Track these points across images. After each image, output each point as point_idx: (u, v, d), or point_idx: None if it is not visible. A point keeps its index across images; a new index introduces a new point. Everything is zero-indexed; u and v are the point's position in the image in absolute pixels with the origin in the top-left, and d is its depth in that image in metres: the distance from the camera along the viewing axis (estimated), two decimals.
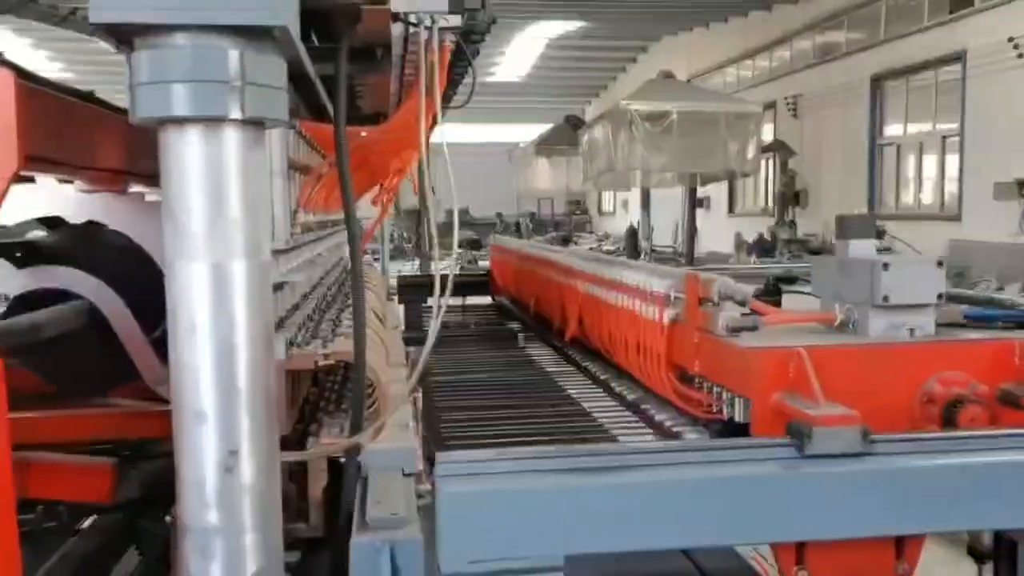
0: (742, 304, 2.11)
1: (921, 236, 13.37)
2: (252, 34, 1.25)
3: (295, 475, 1.91)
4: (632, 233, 16.70)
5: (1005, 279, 10.32)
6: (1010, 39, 11.72)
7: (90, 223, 2.09)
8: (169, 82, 1.22)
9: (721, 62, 21.13)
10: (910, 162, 14.97)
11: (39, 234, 2.19)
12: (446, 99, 2.67)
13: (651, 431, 2.49)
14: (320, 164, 2.41)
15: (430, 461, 1.95)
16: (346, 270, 3.61)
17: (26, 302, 2.00)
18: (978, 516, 1.76)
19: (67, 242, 2.12)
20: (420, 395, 2.83)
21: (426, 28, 1.78)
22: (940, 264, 2.10)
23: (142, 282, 1.95)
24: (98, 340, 2.09)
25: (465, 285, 5.29)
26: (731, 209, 21.18)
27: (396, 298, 5.26)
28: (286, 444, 1.90)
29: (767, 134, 17.08)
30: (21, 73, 1.29)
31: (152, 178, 1.34)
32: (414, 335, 4.10)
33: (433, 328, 1.75)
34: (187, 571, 1.33)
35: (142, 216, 2.04)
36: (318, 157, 2.44)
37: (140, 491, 2.45)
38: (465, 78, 2.45)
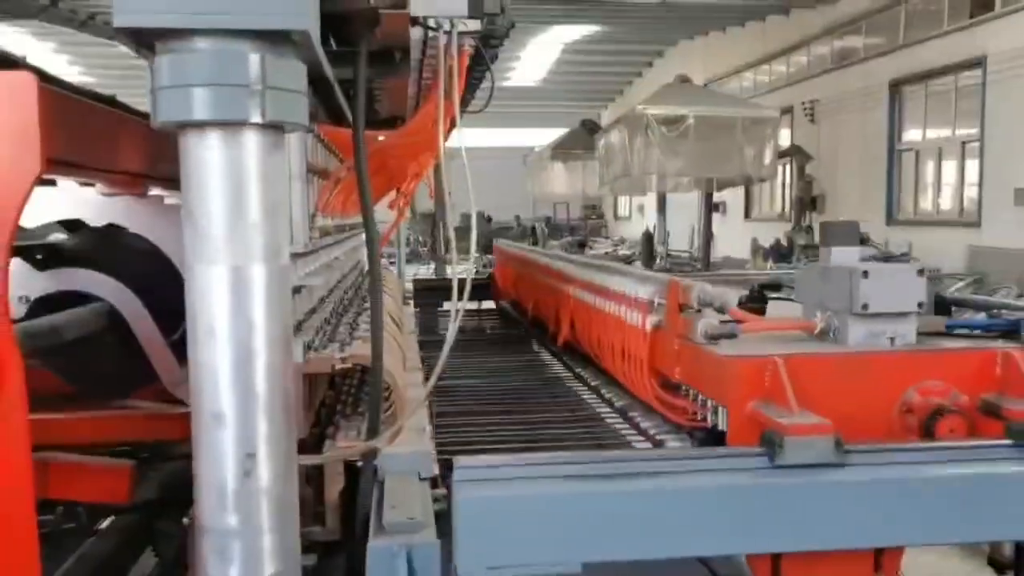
0: (721, 311, 2.08)
1: (940, 242, 13.27)
2: (272, 38, 1.25)
3: (312, 478, 1.91)
4: (648, 238, 16.66)
5: None
6: None
7: (110, 226, 2.10)
8: (190, 86, 1.22)
9: (738, 66, 21.07)
10: (929, 168, 14.86)
11: (60, 237, 2.21)
12: (464, 103, 2.67)
13: (637, 438, 2.47)
14: (338, 168, 2.41)
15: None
16: (363, 273, 3.62)
17: (47, 304, 2.02)
18: (955, 529, 1.72)
19: (88, 245, 2.13)
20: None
21: (445, 32, 1.78)
22: (922, 272, 2.06)
23: (161, 285, 1.96)
24: (118, 342, 2.11)
25: (472, 289, 5.27)
26: (747, 214, 21.09)
27: (412, 302, 5.27)
28: (303, 447, 1.90)
29: (784, 139, 17.00)
30: (43, 77, 1.30)
31: (172, 181, 1.35)
32: (429, 339, 4.11)
33: (451, 332, 1.75)
34: (204, 573, 1.33)
35: (162, 219, 2.05)
36: (336, 161, 2.45)
37: (158, 493, 2.47)
38: (483, 82, 2.45)
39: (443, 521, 1.65)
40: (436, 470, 1.94)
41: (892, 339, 2.02)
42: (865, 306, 1.98)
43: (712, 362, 2.01)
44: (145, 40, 1.26)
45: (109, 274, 2.03)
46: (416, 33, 1.90)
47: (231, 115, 1.24)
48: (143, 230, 2.07)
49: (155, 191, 2.13)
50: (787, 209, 18.48)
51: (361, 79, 1.72)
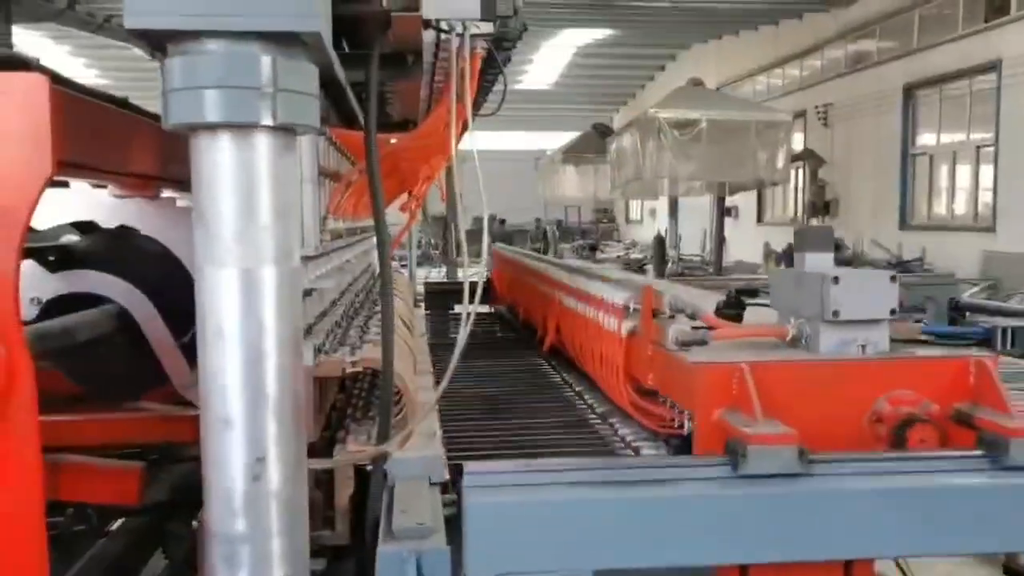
0: (693, 317, 2.05)
1: (954, 248, 13.18)
2: (284, 40, 1.25)
3: (321, 482, 1.90)
4: (660, 242, 16.59)
5: None
6: None
7: (122, 228, 2.10)
8: (201, 88, 1.22)
9: (751, 70, 21.00)
10: (943, 172, 14.77)
11: (72, 238, 2.21)
12: (476, 106, 2.67)
13: (617, 445, 2.44)
14: (350, 171, 2.41)
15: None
16: (374, 276, 3.62)
17: (59, 305, 2.02)
18: (924, 541, 1.68)
19: (99, 247, 2.13)
20: None
21: (457, 35, 1.78)
22: (894, 279, 2.01)
23: (172, 287, 1.96)
24: (129, 344, 2.11)
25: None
26: (760, 218, 21.01)
27: (423, 305, 5.27)
28: (313, 451, 1.89)
29: (797, 143, 16.93)
30: (56, 79, 1.30)
31: (184, 184, 1.34)
32: (440, 342, 4.10)
33: (462, 336, 1.74)
34: None
35: (173, 221, 2.05)
36: (348, 164, 2.44)
37: (168, 495, 2.47)
38: (495, 85, 2.44)
39: (453, 526, 1.64)
40: (447, 475, 1.93)
41: (863, 347, 1.98)
42: (836, 313, 1.94)
43: (681, 368, 1.98)
44: (157, 42, 1.26)
45: (120, 276, 2.03)
46: (428, 36, 1.90)
47: (242, 117, 1.24)
48: (155, 232, 2.07)
49: (167, 193, 2.13)
50: (800, 213, 18.39)
51: (373, 82, 1.72)
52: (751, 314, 2.37)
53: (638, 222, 30.09)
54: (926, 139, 15.15)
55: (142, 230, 2.09)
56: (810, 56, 18.52)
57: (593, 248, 21.09)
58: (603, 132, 19.54)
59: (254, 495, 1.31)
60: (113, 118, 1.64)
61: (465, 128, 1.94)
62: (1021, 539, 1.70)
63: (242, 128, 1.26)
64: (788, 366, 1.93)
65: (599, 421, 2.67)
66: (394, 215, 3.83)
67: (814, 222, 16.50)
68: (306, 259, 1.88)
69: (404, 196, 3.41)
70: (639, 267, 17.38)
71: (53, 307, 2.01)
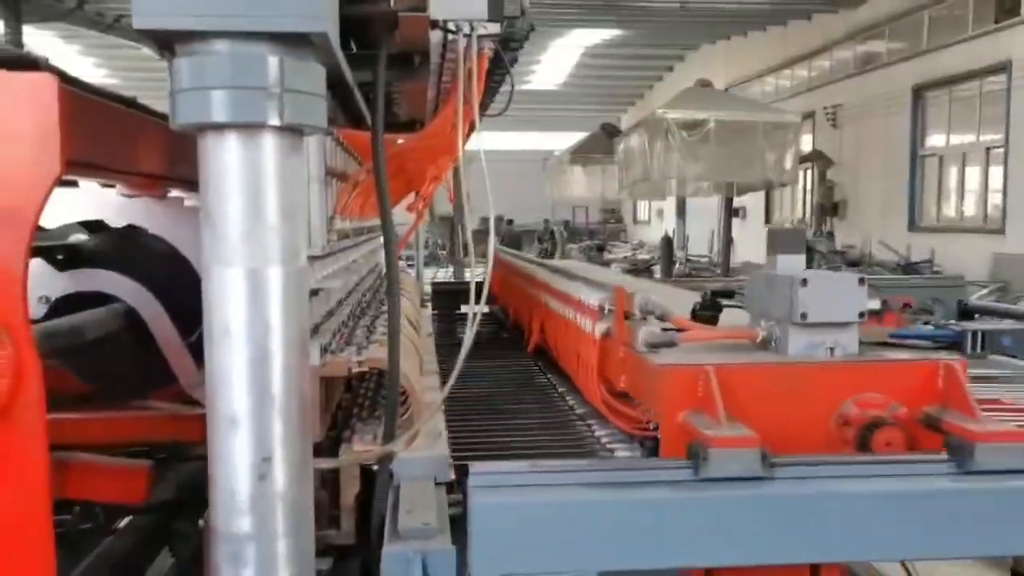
0: (663, 319, 2.04)
1: (963, 249, 13.13)
2: (291, 41, 1.25)
3: (327, 482, 1.90)
4: (667, 243, 16.58)
5: None
6: None
7: (130, 227, 2.11)
8: (209, 88, 1.22)
9: (759, 71, 20.96)
10: (952, 174, 14.71)
11: (80, 237, 2.22)
12: (483, 106, 2.67)
13: (594, 446, 2.42)
14: (357, 171, 2.41)
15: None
16: (381, 276, 3.62)
17: (67, 304, 2.03)
18: (888, 545, 1.66)
19: (107, 246, 2.14)
20: None
21: (464, 35, 1.78)
22: (862, 281, 2.00)
23: (180, 286, 1.96)
24: (136, 343, 2.11)
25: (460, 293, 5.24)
26: (768, 219, 20.96)
27: (430, 305, 5.27)
28: (319, 451, 1.90)
29: (806, 144, 16.89)
30: (64, 78, 1.31)
31: (192, 183, 1.35)
32: (447, 341, 4.10)
33: (468, 336, 1.74)
34: None
35: (181, 221, 2.05)
36: (355, 164, 2.45)
37: (175, 493, 2.47)
38: (503, 86, 2.44)
39: (459, 526, 1.64)
40: (452, 475, 1.93)
41: (832, 349, 1.97)
42: (804, 315, 1.93)
43: (649, 371, 1.97)
44: (165, 42, 1.26)
45: (128, 275, 2.04)
46: (435, 36, 1.89)
47: (249, 117, 1.24)
48: (162, 231, 2.07)
49: (175, 193, 2.14)
50: (808, 215, 18.35)
51: (380, 82, 1.72)
52: (728, 316, 2.34)
53: (646, 223, 30.06)
54: (935, 140, 15.09)
55: (150, 229, 2.10)
56: (819, 57, 18.47)
57: (600, 248, 21.06)
58: (611, 132, 19.54)
59: (260, 495, 1.31)
60: (121, 118, 1.65)
61: (472, 129, 1.94)
62: (985, 544, 1.67)
63: (249, 128, 1.26)
64: (754, 369, 1.92)
65: (579, 422, 2.66)
66: (401, 215, 3.83)
67: (823, 223, 16.46)
68: (313, 259, 1.88)
69: (411, 196, 3.41)
70: (646, 268, 17.35)
71: (61, 305, 2.02)
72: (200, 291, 1.31)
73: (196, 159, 1.29)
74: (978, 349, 2.79)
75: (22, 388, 1.27)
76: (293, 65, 1.25)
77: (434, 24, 1.79)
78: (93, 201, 2.10)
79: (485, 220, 1.71)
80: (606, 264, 17.33)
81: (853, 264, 14.26)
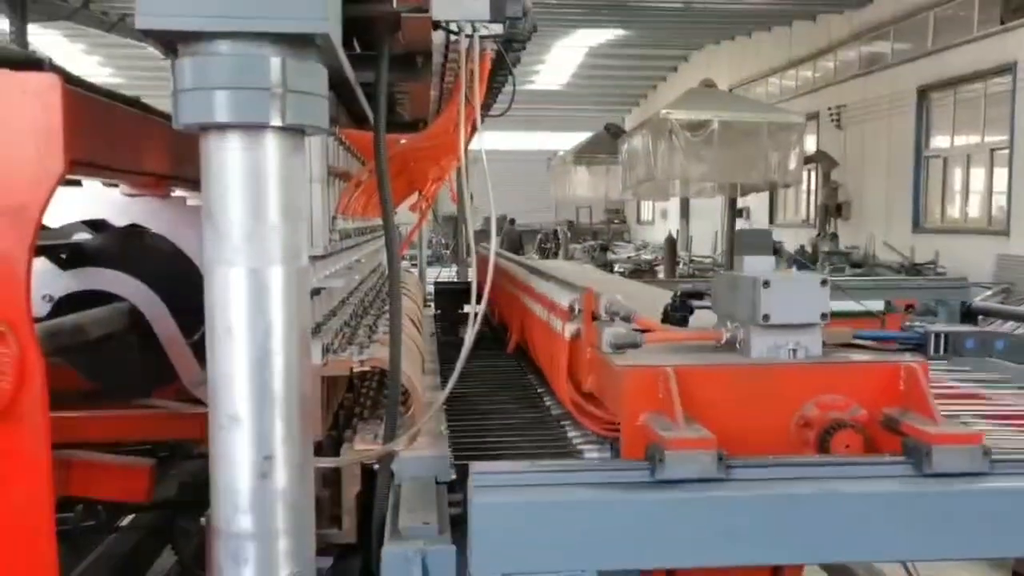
0: (627, 320, 2.03)
1: (967, 251, 13.10)
2: (294, 42, 1.26)
3: (329, 480, 1.91)
4: (671, 243, 16.56)
5: None
6: None
7: (133, 226, 2.12)
8: (211, 89, 1.23)
9: (763, 72, 20.93)
10: (957, 175, 14.68)
11: (84, 236, 2.23)
12: (486, 107, 2.67)
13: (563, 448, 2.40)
14: (360, 171, 2.42)
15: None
16: (384, 276, 3.63)
17: (70, 303, 2.04)
18: (844, 547, 1.65)
19: (110, 245, 2.15)
20: None
21: (467, 36, 1.78)
22: (825, 283, 1.98)
23: (182, 285, 1.97)
24: (140, 342, 2.12)
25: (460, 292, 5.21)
26: (772, 220, 20.93)
27: (433, 304, 5.27)
28: (321, 450, 1.91)
29: (810, 145, 16.86)
30: (68, 78, 1.32)
31: (195, 183, 1.35)
32: (450, 340, 4.10)
33: (469, 336, 1.75)
34: (220, 575, 1.33)
35: (184, 220, 2.06)
36: (357, 164, 2.45)
37: (178, 491, 2.48)
38: (505, 86, 2.44)
39: (460, 526, 1.65)
40: (453, 475, 1.94)
41: (794, 351, 1.96)
42: (766, 317, 1.92)
43: (612, 372, 1.95)
44: (168, 42, 1.27)
45: (131, 274, 2.05)
46: (438, 37, 1.90)
47: (252, 118, 1.25)
48: (165, 231, 2.08)
49: (179, 192, 2.14)
50: (812, 215, 18.33)
51: (382, 82, 1.72)
52: (699, 317, 2.31)
53: (649, 223, 30.04)
54: (940, 141, 15.06)
55: (153, 229, 2.11)
56: (823, 57, 18.45)
57: (604, 249, 21.04)
58: (615, 133, 19.53)
59: (261, 493, 1.32)
60: (125, 117, 1.66)
61: (475, 129, 1.94)
62: (939, 547, 1.66)
63: (251, 128, 1.26)
64: (715, 370, 1.91)
65: (554, 423, 2.64)
66: (405, 215, 3.84)
67: (827, 224, 16.44)
68: (315, 258, 1.88)
69: (414, 196, 3.42)
70: (650, 268, 17.34)
71: (65, 304, 2.03)
72: (202, 290, 1.32)
73: (199, 159, 1.30)
74: (941, 351, 2.78)
75: (25, 386, 1.28)
76: (295, 66, 1.26)
77: (436, 25, 1.79)
78: (96, 200, 2.11)
79: (488, 220, 1.71)
80: (609, 264, 17.33)
81: (857, 265, 14.25)
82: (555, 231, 22.99)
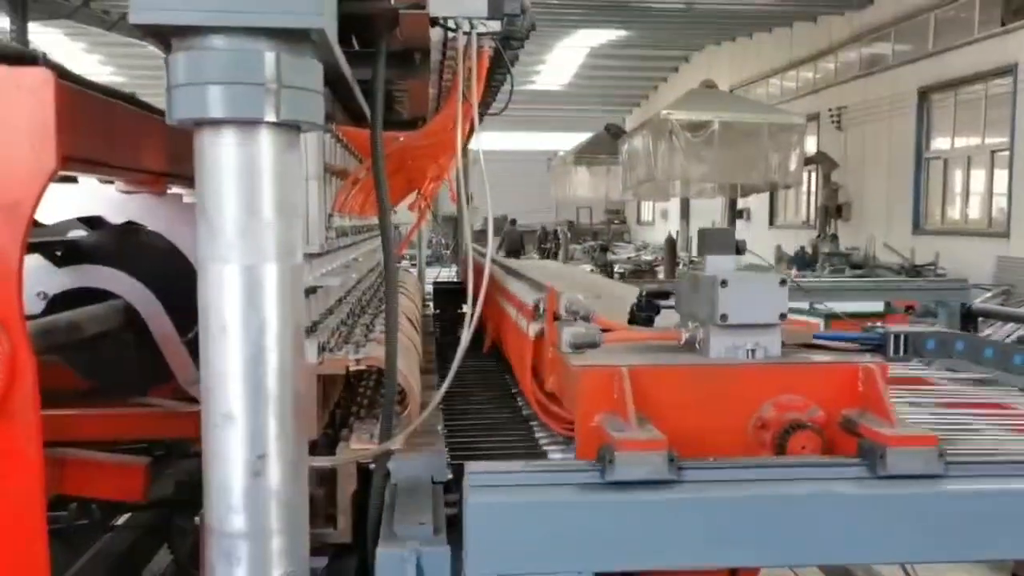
0: (587, 320, 2.01)
1: (968, 253, 13.09)
2: (289, 37, 1.25)
3: (325, 479, 1.90)
4: (671, 244, 16.56)
5: None
6: None
7: (129, 224, 2.11)
8: (205, 84, 1.22)
9: (764, 73, 20.93)
10: (957, 176, 14.67)
11: (80, 233, 2.22)
12: (485, 105, 2.66)
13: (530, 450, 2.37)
14: (357, 168, 2.40)
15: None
16: (382, 275, 3.61)
17: (65, 300, 2.03)
18: (794, 549, 1.63)
19: (106, 242, 2.14)
20: None
21: (464, 33, 1.77)
22: (784, 283, 1.96)
23: (178, 283, 1.96)
24: (136, 340, 2.11)
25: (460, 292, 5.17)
26: (772, 221, 20.93)
27: (431, 304, 5.26)
28: (317, 449, 1.89)
29: (810, 146, 16.86)
30: (62, 74, 1.30)
31: (192, 180, 1.34)
32: (450, 340, 4.08)
33: (465, 336, 1.74)
34: (212, 575, 1.32)
35: (180, 217, 2.05)
36: (355, 161, 2.44)
37: (175, 490, 2.47)
38: (504, 84, 2.43)
39: (456, 526, 1.63)
40: (450, 474, 1.92)
41: (752, 351, 1.93)
42: (724, 316, 1.90)
43: (569, 372, 1.93)
44: (162, 37, 1.26)
45: (127, 272, 2.04)
46: (436, 34, 1.88)
47: (246, 113, 1.24)
48: (161, 228, 2.07)
49: (176, 189, 2.13)
50: (812, 216, 18.32)
51: (379, 79, 1.71)
52: (666, 317, 2.29)
53: (650, 224, 30.03)
54: (940, 143, 15.06)
55: (149, 226, 2.10)
56: (824, 59, 18.44)
57: (604, 249, 21.03)
58: (615, 133, 19.52)
59: (254, 492, 1.31)
60: (120, 114, 1.65)
61: (473, 127, 1.93)
62: (892, 550, 1.64)
63: (246, 124, 1.25)
64: (671, 370, 1.89)
65: (522, 424, 2.61)
66: (406, 214, 3.82)
67: (827, 226, 16.43)
68: (311, 256, 1.87)
69: (414, 195, 3.41)
70: (650, 269, 17.33)
71: (59, 302, 2.02)
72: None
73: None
74: (901, 352, 2.78)
75: (16, 384, 1.27)
76: (290, 61, 1.25)
77: (434, 22, 1.78)
78: (93, 197, 2.10)
79: (489, 220, 1.70)
80: (609, 265, 17.32)
81: (857, 267, 14.23)
82: (555, 231, 22.97)
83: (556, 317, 2.07)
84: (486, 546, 1.51)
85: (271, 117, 1.24)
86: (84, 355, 2.13)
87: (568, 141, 26.11)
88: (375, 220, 3.17)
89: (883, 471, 1.63)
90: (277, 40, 1.24)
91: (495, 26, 1.78)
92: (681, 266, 16.55)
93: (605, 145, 19.89)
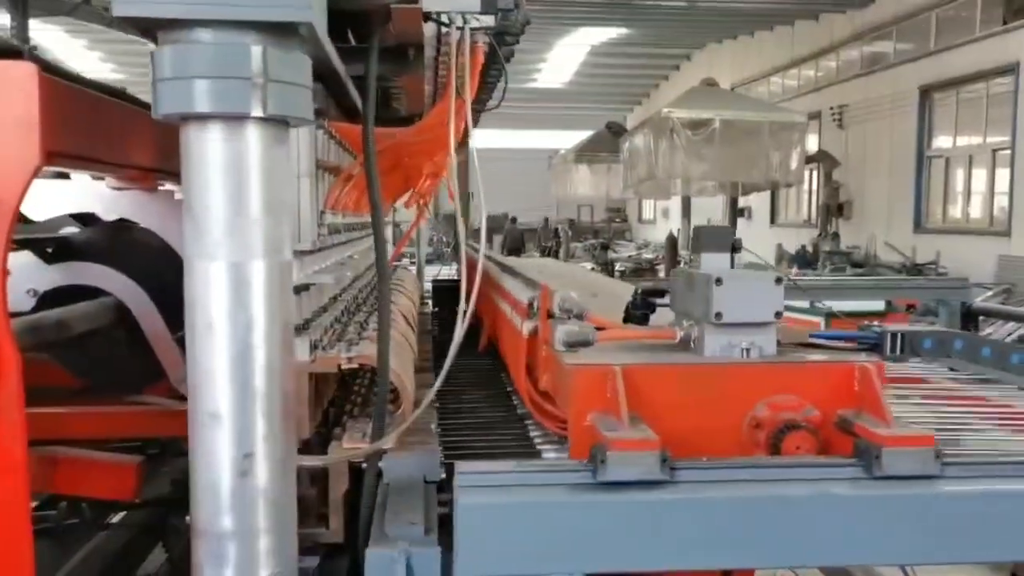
0: (580, 318, 1.99)
1: (969, 251, 13.07)
2: (276, 31, 1.23)
3: (317, 479, 1.88)
4: (672, 242, 16.53)
5: None
6: None
7: (120, 220, 2.09)
8: (191, 78, 1.20)
9: (765, 71, 20.90)
10: (958, 175, 14.64)
11: (71, 230, 2.20)
12: (480, 102, 2.64)
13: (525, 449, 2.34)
14: (351, 164, 2.39)
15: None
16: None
17: (56, 297, 2.01)
18: (789, 550, 1.61)
19: (97, 239, 2.12)
20: None
21: (458, 28, 1.75)
22: (779, 281, 1.94)
23: (170, 280, 1.94)
24: (128, 337, 2.10)
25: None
26: (773, 219, 20.90)
27: (430, 302, 5.24)
28: (309, 448, 1.88)
29: (811, 144, 16.83)
30: (47, 67, 1.29)
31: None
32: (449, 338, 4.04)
33: (458, 333, 1.72)
34: (200, 575, 1.31)
35: (171, 214, 2.03)
36: (349, 157, 2.42)
37: (170, 488, 2.46)
38: (500, 81, 2.41)
39: (447, 526, 1.62)
40: (443, 474, 1.91)
41: (747, 350, 1.91)
42: (719, 315, 1.88)
43: (562, 371, 1.91)
44: (147, 30, 1.24)
45: (118, 269, 2.02)
46: (429, 29, 1.87)
47: (232, 108, 1.22)
48: (152, 225, 2.05)
49: (167, 186, 2.11)
50: (813, 215, 18.29)
51: (372, 74, 1.70)
52: (661, 316, 2.27)
53: (651, 222, 30.01)
54: (942, 141, 15.03)
55: (141, 223, 2.08)
56: (825, 57, 18.41)
57: (605, 247, 20.99)
58: (616, 131, 19.48)
59: (241, 491, 1.29)
60: (108, 109, 1.63)
61: (466, 124, 1.91)
62: (887, 551, 1.62)
63: (232, 119, 1.24)
64: (665, 369, 1.86)
65: (517, 423, 2.60)
66: (406, 213, 3.80)
67: (828, 224, 16.40)
68: (303, 254, 1.86)
69: (410, 193, 3.38)
70: (651, 267, 17.30)
71: (50, 299, 2.01)
72: None
73: None
74: (897, 351, 2.76)
75: (0, 381, 1.25)
76: (277, 55, 1.23)
77: (427, 17, 1.77)
78: (85, 193, 2.08)
79: (492, 217, 1.68)
80: (609, 263, 17.29)
81: (858, 265, 14.21)
82: (555, 229, 22.93)
83: (550, 315, 2.05)
84: (476, 547, 1.49)
85: (258, 112, 1.23)
86: (75, 353, 2.11)
87: (569, 139, 26.06)
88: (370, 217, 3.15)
89: (879, 471, 1.61)
90: (264, 34, 1.22)
91: (488, 21, 1.76)
92: (682, 264, 16.55)
93: (606, 143, 19.84)
